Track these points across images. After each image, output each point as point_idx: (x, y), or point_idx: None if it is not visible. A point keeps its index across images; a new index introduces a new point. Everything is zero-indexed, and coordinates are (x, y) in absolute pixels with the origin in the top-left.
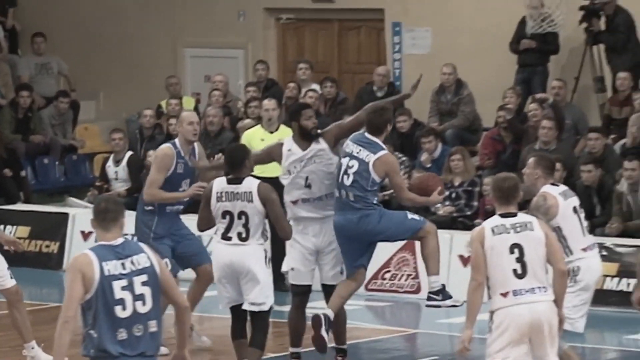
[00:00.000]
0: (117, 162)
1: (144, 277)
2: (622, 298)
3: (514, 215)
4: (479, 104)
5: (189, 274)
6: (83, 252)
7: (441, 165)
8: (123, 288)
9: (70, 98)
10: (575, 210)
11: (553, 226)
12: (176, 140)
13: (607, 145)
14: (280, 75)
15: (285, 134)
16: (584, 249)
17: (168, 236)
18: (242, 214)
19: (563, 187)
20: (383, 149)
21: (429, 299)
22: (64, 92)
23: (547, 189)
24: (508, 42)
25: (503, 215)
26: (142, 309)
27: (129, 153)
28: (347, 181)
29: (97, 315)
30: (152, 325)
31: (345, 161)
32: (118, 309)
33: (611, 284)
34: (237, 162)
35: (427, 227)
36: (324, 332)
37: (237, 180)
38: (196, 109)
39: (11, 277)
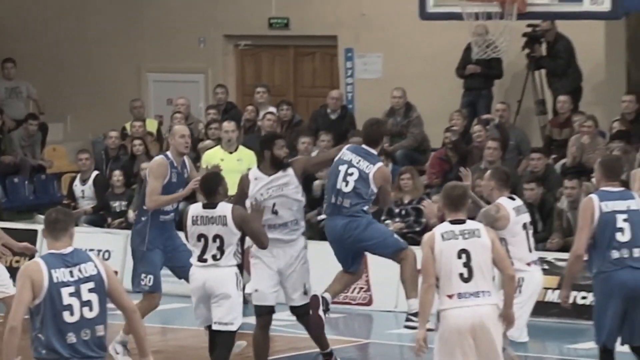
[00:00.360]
0: (84, 182)
1: (91, 285)
2: (562, 309)
3: (462, 222)
4: (427, 126)
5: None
6: (33, 260)
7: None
8: (71, 294)
9: (39, 120)
10: (524, 226)
11: (502, 237)
12: (168, 153)
13: (549, 165)
14: (239, 98)
15: (243, 154)
16: (528, 264)
17: (161, 247)
18: (216, 237)
19: (518, 203)
20: (380, 160)
21: (407, 320)
22: (33, 115)
23: (503, 201)
24: (454, 68)
25: (452, 222)
26: (89, 314)
27: (95, 173)
28: (346, 188)
29: (44, 319)
30: (99, 330)
31: (343, 168)
32: (66, 314)
33: (552, 296)
34: (212, 189)
35: (408, 251)
36: (321, 312)
37: (212, 205)
38: (159, 131)
39: (13, 286)
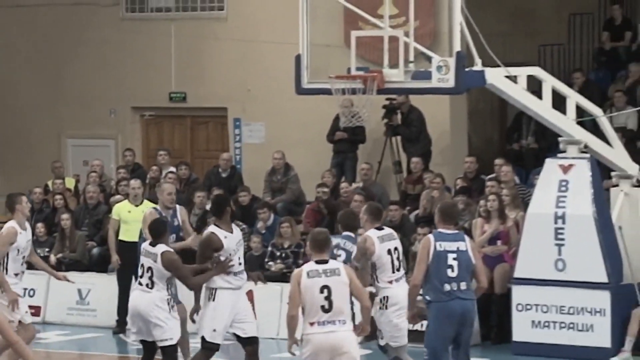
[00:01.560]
0: None
1: None
2: (416, 336)
3: (326, 262)
4: (303, 183)
5: None
6: None
7: (273, 231)
8: None
9: None
10: (389, 252)
11: (372, 261)
12: (157, 206)
13: (404, 215)
14: (144, 160)
15: (147, 206)
16: (390, 282)
17: None
18: (149, 269)
19: (386, 232)
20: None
21: None
22: None
23: (370, 232)
24: (325, 134)
25: (317, 262)
26: None
27: None
28: None
29: None
30: None
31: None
32: None
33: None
34: (158, 233)
35: None
36: None
37: (153, 244)
38: (76, 187)
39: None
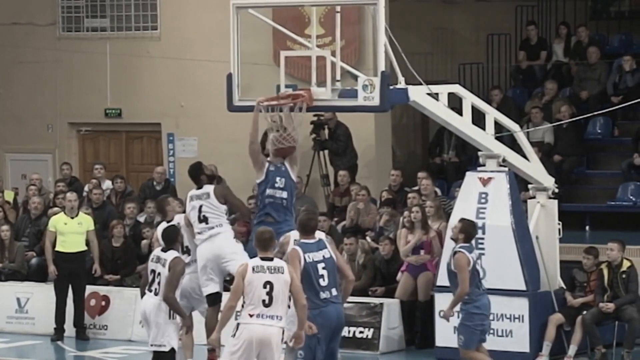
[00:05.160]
0: None
1: None
2: (346, 342)
3: (270, 259)
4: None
5: None
6: None
7: None
8: None
9: None
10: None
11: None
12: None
13: (332, 226)
14: (81, 173)
15: (82, 218)
16: None
17: None
18: (158, 274)
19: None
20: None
21: None
22: None
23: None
24: None
25: (262, 259)
26: None
27: None
28: None
29: None
30: None
31: None
32: None
33: None
34: (171, 239)
35: None
36: None
37: (165, 250)
38: (15, 200)
39: None
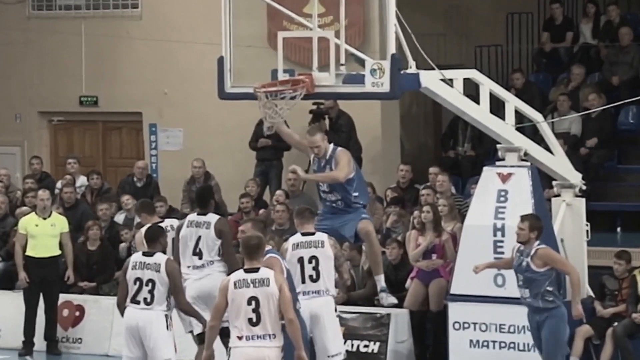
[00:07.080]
0: None
1: None
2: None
3: (256, 270)
4: (225, 193)
5: None
6: None
7: None
8: None
9: None
10: (299, 260)
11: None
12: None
13: None
14: (53, 168)
15: (56, 219)
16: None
17: None
18: (149, 281)
19: (307, 238)
20: None
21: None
22: None
23: (292, 236)
24: (248, 141)
25: (247, 270)
26: None
27: None
28: None
29: None
30: None
31: None
32: None
33: None
34: (153, 239)
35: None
36: None
37: (150, 254)
38: None
39: None
